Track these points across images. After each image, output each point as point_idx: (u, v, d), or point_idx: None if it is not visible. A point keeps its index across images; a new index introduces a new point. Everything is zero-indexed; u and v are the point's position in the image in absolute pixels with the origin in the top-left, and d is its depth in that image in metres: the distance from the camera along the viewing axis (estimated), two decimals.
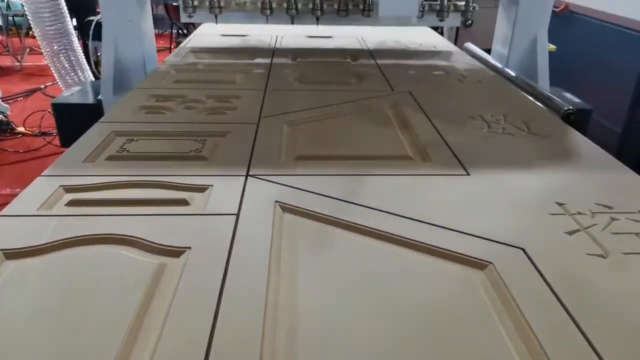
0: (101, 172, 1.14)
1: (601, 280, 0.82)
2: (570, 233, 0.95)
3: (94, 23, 3.66)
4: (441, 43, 2.61)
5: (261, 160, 1.23)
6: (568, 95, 2.08)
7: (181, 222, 0.96)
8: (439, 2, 2.18)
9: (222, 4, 2.13)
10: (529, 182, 1.15)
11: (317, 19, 2.16)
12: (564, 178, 1.18)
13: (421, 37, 2.71)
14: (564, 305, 0.76)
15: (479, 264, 0.85)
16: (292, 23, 2.17)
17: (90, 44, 3.95)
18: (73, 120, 1.97)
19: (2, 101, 4.07)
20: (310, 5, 2.14)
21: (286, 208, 1.02)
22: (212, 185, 1.09)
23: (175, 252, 0.87)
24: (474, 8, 2.19)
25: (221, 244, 0.88)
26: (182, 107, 1.57)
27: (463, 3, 2.20)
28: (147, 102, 1.62)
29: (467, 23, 2.21)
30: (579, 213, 1.02)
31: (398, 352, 0.67)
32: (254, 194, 1.07)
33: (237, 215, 0.98)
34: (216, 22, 2.18)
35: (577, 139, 1.43)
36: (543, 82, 2.12)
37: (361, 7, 2.15)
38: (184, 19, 2.16)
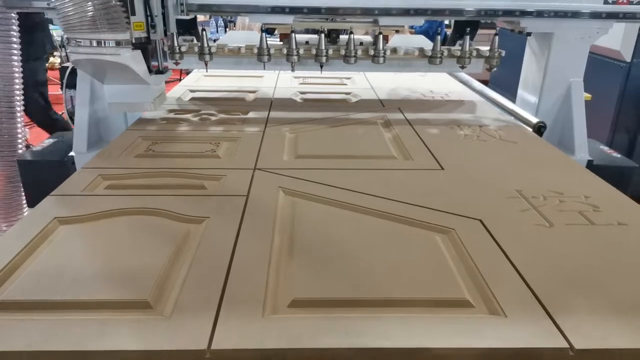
0: (132, 165, 1.36)
1: (543, 241, 1.02)
2: (523, 211, 1.15)
3: (68, 69, 3.24)
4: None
5: (266, 158, 1.44)
6: (606, 148, 2.07)
7: (200, 201, 1.16)
8: (459, 48, 1.93)
9: (212, 50, 1.87)
10: (493, 175, 1.35)
11: (321, 65, 1.90)
12: (524, 172, 1.38)
13: None
14: (507, 257, 0.95)
15: (442, 230, 1.05)
16: (293, 70, 1.93)
17: (65, 92, 3.53)
18: (40, 180, 1.80)
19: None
20: (314, 51, 1.86)
21: (288, 192, 1.23)
22: (225, 175, 1.30)
23: (197, 220, 1.07)
24: (499, 54, 1.93)
25: (235, 214, 1.09)
26: None
27: (487, 48, 1.95)
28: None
29: (493, 70, 1.98)
30: (533, 197, 1.22)
31: (371, 271, 0.86)
32: (261, 182, 1.28)
33: (247, 196, 1.19)
34: (206, 70, 1.96)
35: (541, 144, 1.65)
36: (580, 134, 1.96)
37: (372, 52, 1.87)
38: (170, 65, 1.89)
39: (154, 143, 1.54)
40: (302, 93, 2.26)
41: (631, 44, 3.13)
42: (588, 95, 2.33)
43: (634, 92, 3.22)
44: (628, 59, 3.16)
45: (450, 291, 0.85)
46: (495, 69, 2.00)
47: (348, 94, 2.26)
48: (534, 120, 1.92)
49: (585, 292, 0.85)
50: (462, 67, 1.99)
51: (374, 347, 0.71)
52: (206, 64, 1.92)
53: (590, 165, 1.98)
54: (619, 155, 2.11)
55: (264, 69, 1.95)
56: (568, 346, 0.72)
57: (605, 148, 2.18)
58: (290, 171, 1.34)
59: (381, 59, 1.90)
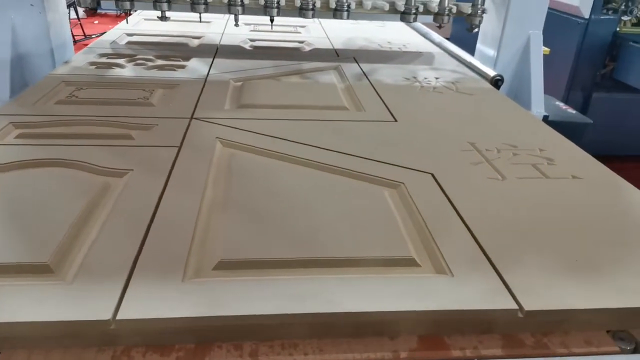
0: (50, 112, 1.20)
1: (494, 195, 0.96)
2: (476, 164, 1.09)
3: None
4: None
5: (206, 106, 1.31)
6: (561, 105, 2.06)
7: (125, 151, 1.03)
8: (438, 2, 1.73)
9: None
10: (447, 127, 1.28)
11: (272, 20, 1.68)
12: (478, 125, 1.31)
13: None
14: (457, 212, 0.89)
15: (391, 184, 0.97)
16: (237, 25, 1.71)
17: None
18: None
19: None
20: (262, 1, 1.61)
21: (226, 143, 1.11)
22: (157, 125, 1.17)
23: (118, 173, 0.95)
24: (482, 11, 1.74)
25: (163, 166, 0.97)
26: None
27: (469, 5, 1.74)
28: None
29: (474, 30, 1.79)
30: (487, 150, 1.16)
31: (312, 229, 0.78)
32: (197, 132, 1.16)
33: (180, 147, 1.07)
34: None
35: (498, 97, 1.58)
36: (537, 88, 1.88)
37: (333, 5, 1.66)
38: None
39: (78, 89, 1.37)
40: (252, 40, 2.10)
41: (590, 0, 3.10)
42: (547, 49, 2.28)
43: (591, 49, 3.22)
44: (586, 15, 3.13)
45: (396, 249, 0.78)
46: (477, 28, 1.81)
47: (302, 42, 2.12)
48: (492, 73, 1.85)
49: (538, 249, 0.80)
50: (439, 27, 1.82)
51: (314, 312, 0.63)
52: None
53: (545, 121, 1.94)
54: (574, 112, 2.09)
55: (200, 21, 1.77)
56: (517, 307, 0.67)
57: (561, 104, 2.16)
58: (231, 121, 1.22)
59: (345, 14, 1.72)
